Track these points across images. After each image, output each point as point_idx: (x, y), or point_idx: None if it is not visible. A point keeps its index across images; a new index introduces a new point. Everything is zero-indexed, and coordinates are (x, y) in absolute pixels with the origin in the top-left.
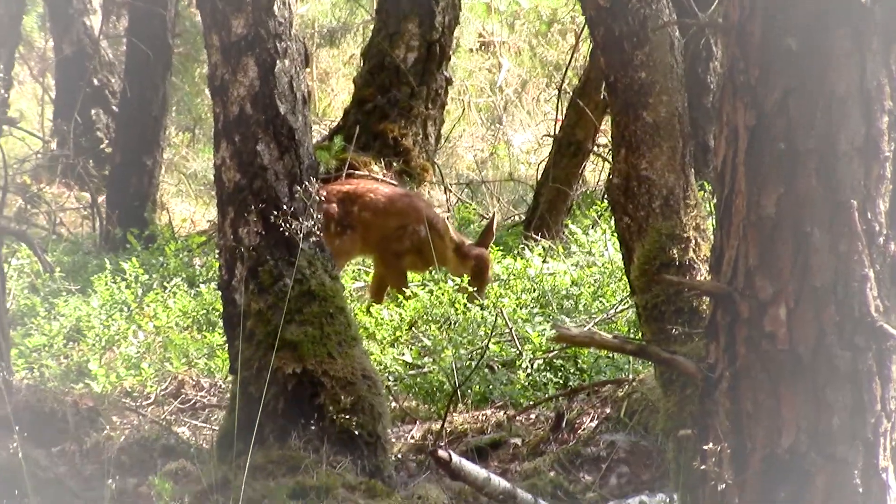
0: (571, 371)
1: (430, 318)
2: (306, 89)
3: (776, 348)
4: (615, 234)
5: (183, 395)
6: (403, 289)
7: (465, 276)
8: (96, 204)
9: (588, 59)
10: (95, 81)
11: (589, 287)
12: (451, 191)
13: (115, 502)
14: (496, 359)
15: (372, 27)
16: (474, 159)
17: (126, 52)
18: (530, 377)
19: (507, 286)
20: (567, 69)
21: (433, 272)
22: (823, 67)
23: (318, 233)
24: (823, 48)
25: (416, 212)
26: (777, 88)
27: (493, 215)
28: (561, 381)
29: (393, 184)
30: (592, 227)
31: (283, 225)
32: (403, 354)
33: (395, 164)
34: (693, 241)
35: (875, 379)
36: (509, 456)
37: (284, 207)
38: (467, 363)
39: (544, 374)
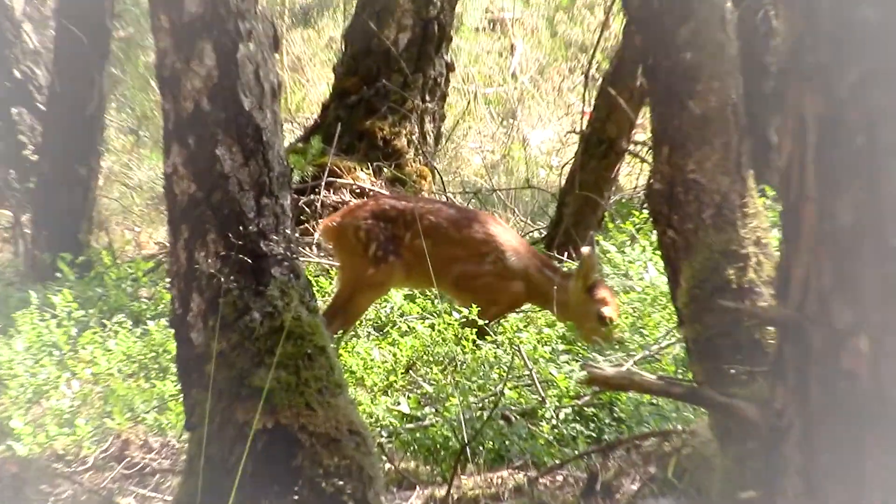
0: (606, 422)
1: (431, 359)
2: (276, 79)
3: (858, 389)
4: (657, 252)
5: (128, 458)
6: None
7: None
8: (19, 223)
9: (621, 37)
10: (17, 73)
11: (626, 317)
12: (454, 201)
13: None
14: (513, 407)
15: (355, 3)
16: (483, 163)
17: (54, 38)
18: (556, 430)
19: (526, 318)
20: (595, 51)
21: (434, 300)
22: None
23: (293, 255)
24: None
25: (492, 238)
26: (853, 70)
27: (591, 238)
28: (594, 435)
29: (451, 202)
30: (629, 244)
31: (249, 246)
32: (399, 404)
33: (385, 169)
34: (753, 259)
35: None
36: None
37: (251, 225)
38: (478, 413)
39: (573, 425)
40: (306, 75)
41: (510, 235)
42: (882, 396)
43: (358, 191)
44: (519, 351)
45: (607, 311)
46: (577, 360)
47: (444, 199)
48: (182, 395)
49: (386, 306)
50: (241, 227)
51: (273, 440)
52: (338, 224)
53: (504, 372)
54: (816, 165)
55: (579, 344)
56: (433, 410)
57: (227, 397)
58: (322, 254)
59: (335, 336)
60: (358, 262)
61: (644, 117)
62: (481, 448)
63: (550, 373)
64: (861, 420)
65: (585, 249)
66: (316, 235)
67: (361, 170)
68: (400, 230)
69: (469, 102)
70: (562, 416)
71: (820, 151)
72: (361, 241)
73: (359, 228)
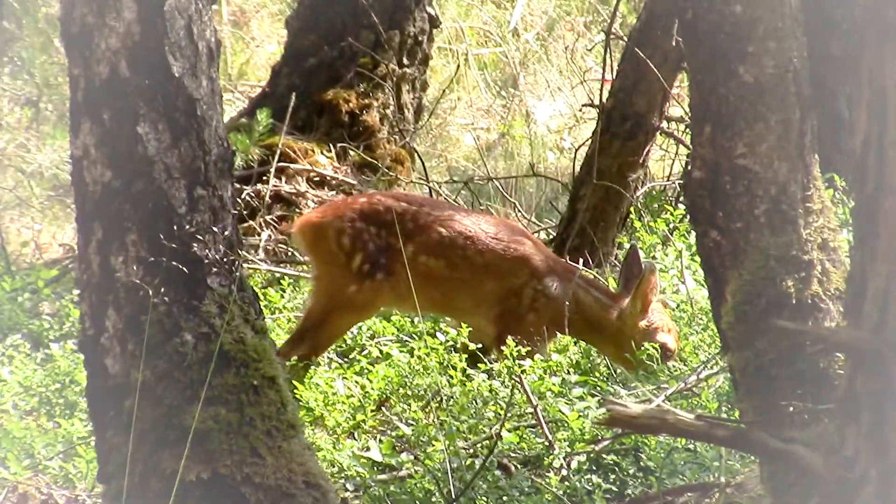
0: (631, 472)
1: (409, 393)
2: (213, 37)
3: None
4: (697, 258)
5: None
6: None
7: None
8: None
9: None
10: None
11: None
12: (439, 193)
13: None
14: (513, 454)
15: None
16: (476, 144)
17: None
18: (567, 483)
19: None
20: (619, 1)
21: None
22: None
23: (234, 261)
24: None
25: (525, 261)
26: None
27: (634, 246)
28: (614, 489)
29: (452, 202)
30: (662, 247)
31: (179, 249)
32: (369, 449)
33: (351, 152)
34: (818, 267)
35: None
36: None
37: (182, 222)
38: (468, 462)
39: (588, 477)
40: (251, 32)
41: (545, 253)
42: None
43: (317, 179)
44: (521, 383)
45: (668, 340)
46: (593, 395)
47: (425, 189)
48: (94, 437)
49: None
50: (169, 226)
51: (210, 495)
52: (317, 222)
53: (502, 409)
54: None
55: (598, 374)
56: (412, 457)
57: (152, 441)
58: (273, 259)
59: (298, 364)
60: (337, 275)
61: (681, 87)
62: None
63: (560, 410)
64: None
65: (647, 263)
66: (264, 237)
67: (321, 152)
68: (397, 239)
69: (458, 67)
70: (574, 464)
71: None
72: (344, 249)
73: (342, 232)
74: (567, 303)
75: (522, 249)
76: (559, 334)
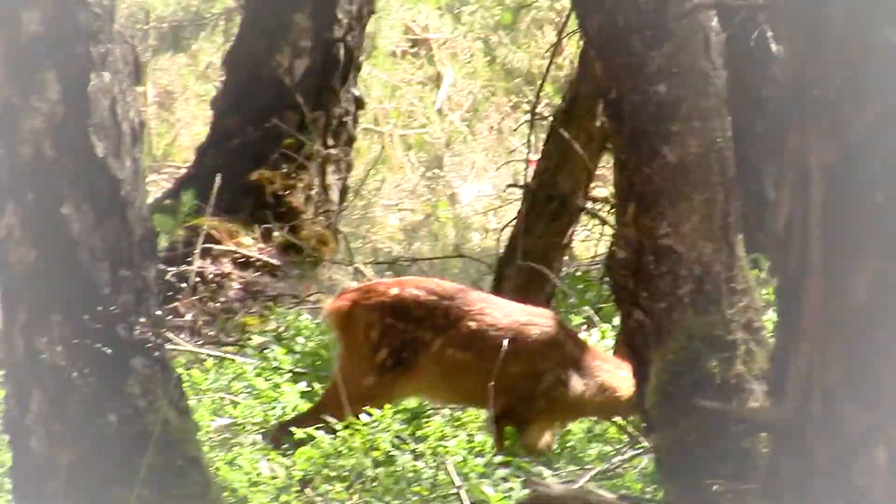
0: None
1: (333, 474)
2: (138, 118)
3: None
4: (621, 338)
5: None
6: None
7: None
8: None
9: (577, 65)
10: None
11: (581, 422)
12: (363, 274)
13: None
14: None
15: (239, 21)
16: (401, 225)
17: None
18: None
19: (455, 422)
20: (544, 82)
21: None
22: None
23: (159, 342)
24: None
25: (556, 349)
26: (871, 107)
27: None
28: None
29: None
30: (586, 328)
31: (104, 330)
32: None
33: (276, 233)
34: (742, 348)
35: None
36: None
37: (106, 303)
38: None
39: None
40: (176, 113)
41: (576, 342)
42: None
43: (242, 260)
44: (445, 463)
45: None
46: (517, 476)
47: (350, 270)
48: None
49: (276, 406)
50: (93, 307)
51: None
52: (349, 311)
53: (426, 490)
54: (823, 229)
55: (521, 454)
56: None
57: None
58: (199, 339)
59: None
60: (357, 363)
61: (606, 167)
62: None
63: (484, 491)
64: None
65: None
66: (189, 317)
67: (246, 234)
68: (426, 333)
69: (383, 148)
70: None
71: (828, 211)
72: (371, 342)
73: (372, 326)
74: (585, 397)
75: (555, 336)
76: (563, 424)
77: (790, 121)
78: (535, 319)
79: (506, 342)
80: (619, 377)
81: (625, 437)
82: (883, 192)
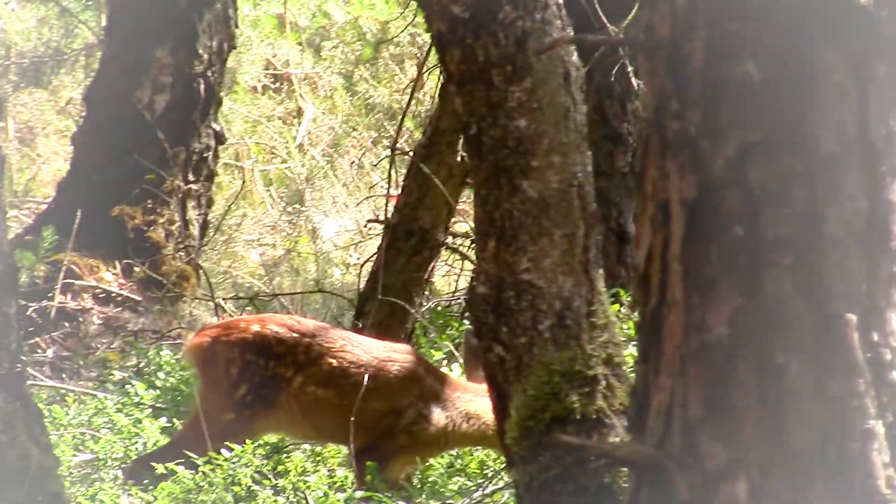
0: None
1: None
2: None
3: None
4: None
5: None
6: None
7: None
8: None
9: (437, 100)
10: None
11: (441, 457)
12: (224, 309)
13: None
14: None
15: (99, 56)
16: (261, 260)
17: None
18: None
19: (316, 457)
20: (404, 117)
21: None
22: (802, 108)
23: (19, 377)
24: (801, 79)
25: (416, 385)
26: (730, 142)
27: (466, 333)
28: None
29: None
30: (447, 363)
31: None
32: None
33: (137, 268)
34: (603, 383)
35: None
36: None
37: None
38: None
39: None
40: (38, 148)
41: (437, 376)
42: None
43: (102, 295)
44: (305, 499)
45: None
46: None
47: (210, 306)
48: None
49: (138, 441)
50: None
51: None
52: (208, 347)
53: None
54: (683, 263)
55: (383, 489)
56: None
57: None
58: (60, 375)
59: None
60: (218, 399)
61: (466, 202)
62: None
63: None
64: None
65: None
66: (50, 353)
67: (107, 269)
68: (287, 370)
69: (244, 183)
70: None
71: (688, 245)
72: (231, 378)
73: (232, 362)
74: (448, 430)
75: (415, 371)
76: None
77: (650, 156)
78: (395, 356)
79: (366, 379)
80: (482, 404)
81: (486, 472)
82: (742, 227)
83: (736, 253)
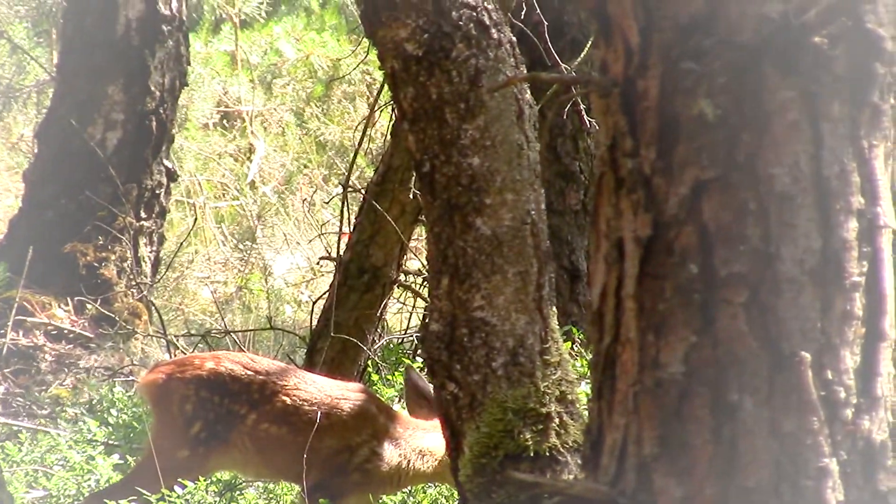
0: None
1: None
2: None
3: None
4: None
5: None
6: None
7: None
8: None
9: (389, 137)
10: None
11: (396, 495)
12: (177, 346)
13: None
14: None
15: (51, 93)
16: (213, 297)
17: None
18: None
19: (269, 494)
20: (356, 154)
21: None
22: (756, 146)
23: None
24: (755, 117)
25: (368, 423)
26: (685, 180)
27: (408, 370)
28: None
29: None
30: (399, 401)
31: None
32: None
33: (89, 305)
34: (556, 420)
35: None
36: None
37: None
38: None
39: None
40: None
41: (389, 415)
42: None
43: (55, 332)
44: None
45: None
46: None
47: (162, 344)
48: None
49: (91, 478)
50: None
51: None
52: (163, 385)
53: None
54: (637, 301)
55: None
56: None
57: None
58: (12, 411)
59: None
60: (171, 437)
61: (419, 239)
62: None
63: None
64: None
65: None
66: (2, 389)
67: (59, 306)
68: (241, 408)
69: (196, 220)
70: None
71: (642, 283)
72: (185, 415)
73: (187, 399)
74: (401, 468)
75: (368, 409)
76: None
77: (603, 194)
78: (348, 394)
79: (319, 417)
80: (435, 440)
81: None
82: (697, 265)
83: (690, 290)
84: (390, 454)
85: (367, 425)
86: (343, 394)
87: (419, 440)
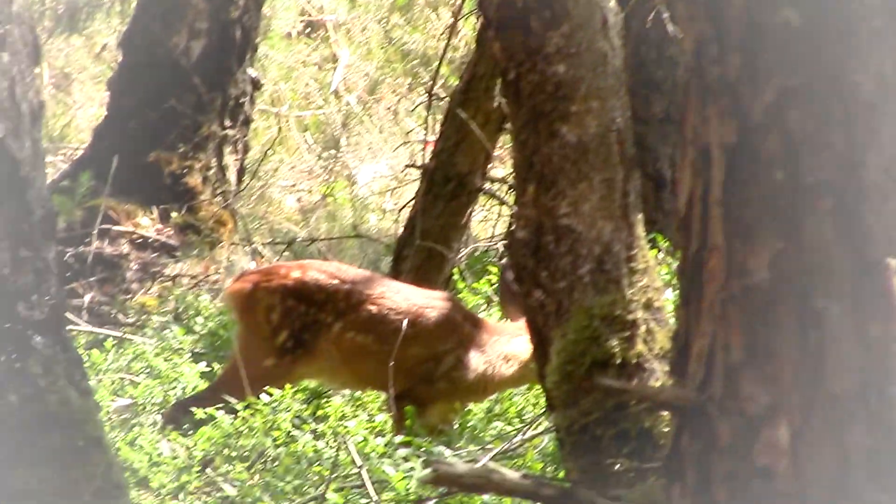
0: None
1: (234, 454)
2: (37, 99)
3: (775, 491)
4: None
5: None
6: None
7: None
8: None
9: (474, 46)
10: None
11: (483, 403)
12: (261, 255)
13: None
14: None
15: (135, 2)
16: (298, 205)
17: None
18: None
19: (355, 402)
20: (441, 63)
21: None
22: (841, 54)
23: (59, 322)
24: (840, 24)
25: (453, 331)
26: (770, 87)
27: (503, 269)
28: None
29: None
30: (486, 307)
31: (3, 311)
32: None
33: (174, 213)
34: (643, 327)
35: None
36: None
37: (6, 284)
38: None
39: None
40: (73, 94)
41: (475, 323)
42: (805, 499)
43: (140, 240)
44: (345, 444)
45: None
46: (418, 456)
47: (247, 251)
48: None
49: (177, 387)
50: None
51: None
52: (249, 294)
53: (327, 470)
54: (724, 208)
55: (422, 435)
56: None
57: None
58: (97, 320)
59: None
60: (257, 346)
61: (504, 147)
62: None
63: (385, 471)
64: None
65: None
66: (87, 298)
67: (144, 215)
68: (326, 317)
69: (280, 129)
70: None
71: (728, 190)
72: (271, 324)
73: (272, 308)
74: (486, 375)
75: (453, 318)
76: (463, 405)
77: (690, 100)
78: (433, 302)
79: (405, 325)
80: (520, 345)
81: (525, 417)
82: (782, 171)
83: (776, 197)
84: (476, 362)
85: (452, 334)
86: (428, 302)
87: (505, 347)
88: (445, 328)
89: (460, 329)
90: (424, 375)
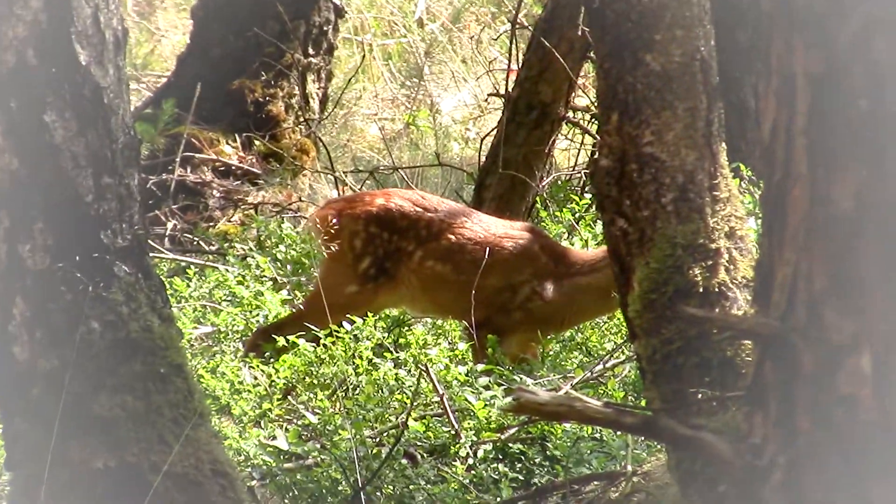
0: (537, 461)
1: (315, 382)
2: (121, 26)
3: (858, 419)
4: (604, 246)
5: None
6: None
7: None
8: None
9: None
10: None
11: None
12: (345, 183)
13: None
14: (420, 443)
15: None
16: (381, 134)
17: None
18: (473, 471)
19: (437, 330)
20: None
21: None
22: None
23: (141, 249)
24: None
25: (531, 262)
26: (856, 16)
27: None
28: (521, 477)
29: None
30: (568, 236)
31: (86, 237)
32: (275, 438)
33: (257, 142)
34: (725, 256)
35: None
36: None
37: (89, 210)
38: (375, 451)
39: (494, 466)
40: (157, 22)
41: (553, 253)
42: (889, 427)
43: (222, 168)
44: (427, 372)
45: None
46: (500, 384)
47: (330, 180)
48: (2, 425)
49: (259, 314)
50: (76, 214)
51: (117, 483)
52: (333, 219)
53: (408, 398)
54: (808, 137)
55: (504, 363)
56: (318, 446)
57: (60, 429)
58: (180, 248)
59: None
60: (341, 273)
61: (587, 76)
62: (379, 494)
63: (466, 399)
64: (862, 457)
65: None
66: (170, 225)
67: (227, 142)
68: (408, 244)
69: (363, 57)
70: (480, 453)
71: (812, 119)
72: (354, 251)
73: (356, 235)
74: (564, 306)
75: (530, 248)
76: (544, 334)
77: (776, 30)
78: (512, 232)
79: (483, 256)
80: (602, 276)
81: (606, 347)
82: (867, 100)
83: (861, 127)
84: (553, 293)
85: (528, 264)
86: (507, 232)
87: (585, 277)
88: (521, 259)
89: (537, 260)
90: (501, 305)
